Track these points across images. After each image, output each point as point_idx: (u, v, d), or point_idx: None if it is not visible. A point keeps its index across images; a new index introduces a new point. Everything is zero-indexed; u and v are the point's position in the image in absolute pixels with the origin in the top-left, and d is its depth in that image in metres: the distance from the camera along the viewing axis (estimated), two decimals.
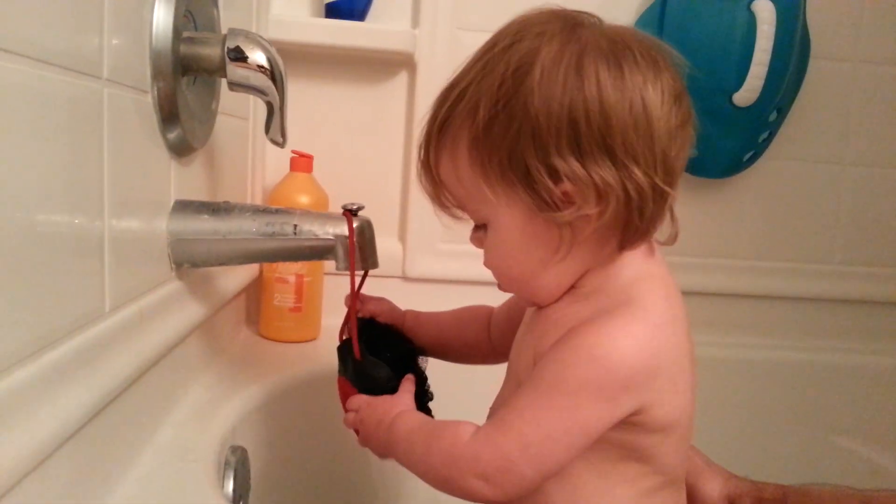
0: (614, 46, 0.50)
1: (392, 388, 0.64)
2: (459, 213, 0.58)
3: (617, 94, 0.49)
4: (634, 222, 0.51)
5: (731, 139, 1.12)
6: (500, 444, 0.50)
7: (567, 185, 0.50)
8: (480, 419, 0.56)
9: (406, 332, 0.73)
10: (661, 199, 0.51)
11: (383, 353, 0.66)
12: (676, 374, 0.53)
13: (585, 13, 0.54)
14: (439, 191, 0.57)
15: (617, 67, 0.50)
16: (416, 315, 0.75)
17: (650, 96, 0.50)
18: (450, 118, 0.53)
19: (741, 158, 1.15)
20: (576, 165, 0.49)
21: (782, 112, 1.15)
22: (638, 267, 0.55)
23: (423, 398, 0.66)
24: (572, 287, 0.56)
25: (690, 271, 1.20)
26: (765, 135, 1.14)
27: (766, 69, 1.02)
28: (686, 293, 1.23)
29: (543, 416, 0.50)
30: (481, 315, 0.74)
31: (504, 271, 0.57)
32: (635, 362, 0.49)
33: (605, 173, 0.49)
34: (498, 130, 0.50)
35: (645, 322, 0.51)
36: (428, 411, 0.66)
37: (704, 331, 1.20)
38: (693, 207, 1.19)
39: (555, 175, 0.50)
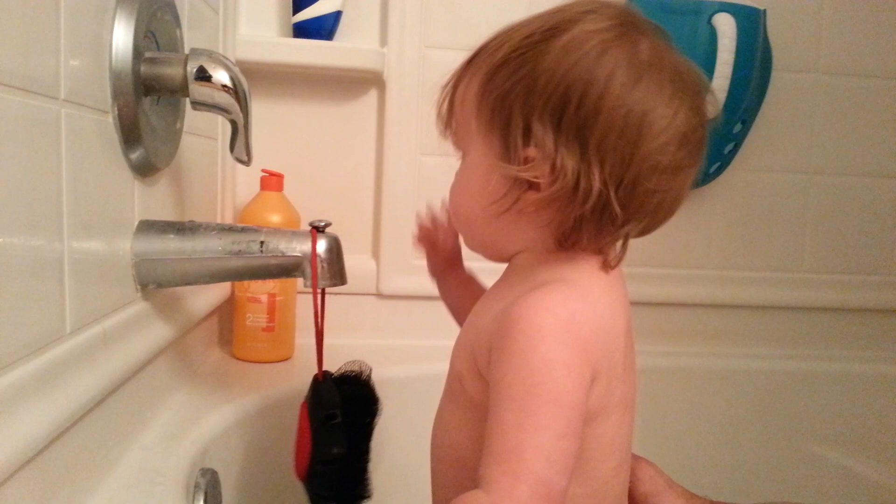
0: (651, 59, 0.50)
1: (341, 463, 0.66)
2: (453, 139, 0.59)
3: (621, 96, 0.48)
4: (568, 221, 0.51)
5: None
6: (526, 477, 0.46)
7: (532, 151, 0.50)
8: None
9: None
10: (606, 216, 0.50)
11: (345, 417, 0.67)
12: (616, 359, 0.53)
13: (654, 23, 0.53)
14: (451, 114, 0.58)
15: (637, 76, 0.49)
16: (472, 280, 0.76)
17: (652, 119, 0.49)
18: (482, 50, 0.55)
19: (707, 170, 1.16)
20: (549, 137, 0.49)
21: (746, 124, 1.16)
22: (581, 266, 0.55)
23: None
24: (513, 263, 0.58)
25: (659, 282, 1.21)
26: (730, 146, 1.16)
27: (728, 82, 1.04)
28: (655, 304, 1.25)
29: (539, 435, 0.46)
30: None
31: (455, 205, 0.59)
32: (574, 322, 0.49)
33: (568, 159, 0.49)
34: (505, 73, 0.51)
35: (583, 297, 0.52)
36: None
37: (675, 342, 1.22)
38: None
39: (528, 136, 0.50)
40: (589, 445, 0.53)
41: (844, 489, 1.12)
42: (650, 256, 1.20)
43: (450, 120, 0.58)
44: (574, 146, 0.49)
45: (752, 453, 1.17)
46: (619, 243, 0.55)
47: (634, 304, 1.23)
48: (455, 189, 0.59)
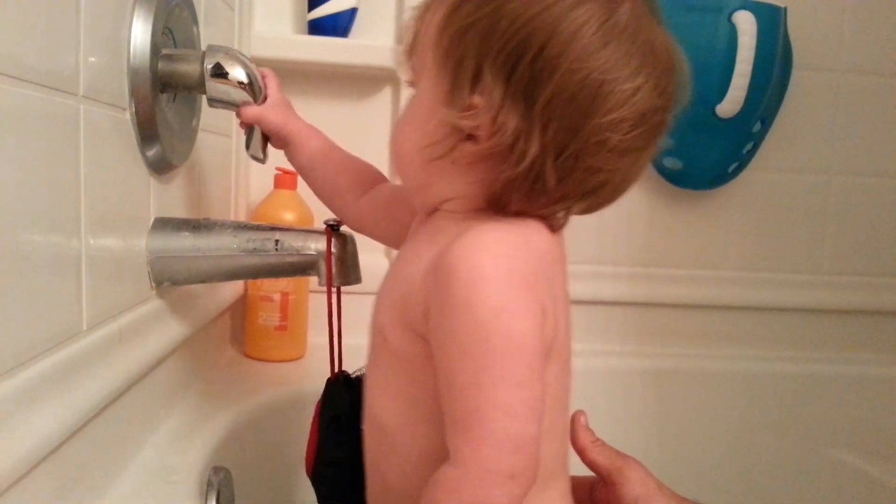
0: (627, 24, 0.46)
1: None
2: (410, 73, 0.54)
3: (581, 58, 0.44)
4: (498, 181, 0.47)
5: (715, 150, 1.12)
6: (489, 438, 0.44)
7: (477, 99, 0.46)
8: None
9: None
10: (538, 185, 0.46)
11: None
12: (558, 302, 0.50)
13: None
14: (415, 42, 0.53)
15: (605, 39, 0.45)
16: (309, 133, 0.70)
17: (610, 90, 0.45)
18: None
19: (726, 170, 1.15)
20: (497, 87, 0.45)
21: (766, 123, 1.15)
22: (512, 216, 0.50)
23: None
24: (441, 211, 0.53)
25: (676, 283, 1.20)
26: (749, 146, 1.15)
27: (748, 80, 1.03)
28: (671, 305, 1.24)
29: (498, 390, 0.44)
30: (372, 174, 0.70)
31: (394, 136, 0.54)
32: (514, 259, 0.46)
33: (511, 115, 0.45)
34: (469, 7, 0.47)
35: (518, 231, 0.48)
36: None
37: (692, 344, 1.21)
38: (679, 219, 1.20)
39: (476, 81, 0.46)
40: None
41: (862, 494, 1.10)
42: (666, 257, 1.20)
43: (412, 52, 0.53)
44: (520, 103, 0.45)
45: (770, 457, 1.15)
46: (560, 214, 0.51)
47: (649, 304, 1.22)
48: (400, 122, 0.54)
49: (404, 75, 0.56)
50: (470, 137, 0.47)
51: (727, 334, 1.22)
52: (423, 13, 0.52)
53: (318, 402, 0.68)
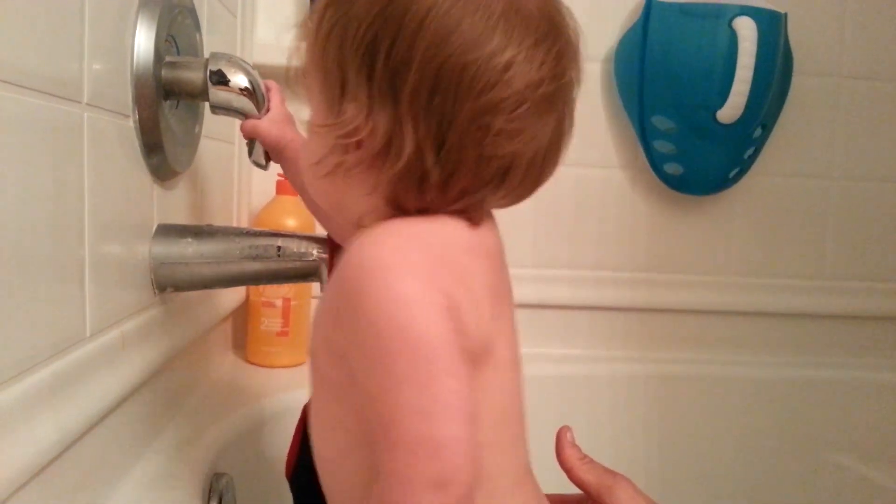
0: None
1: None
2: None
3: (434, 45, 0.40)
4: (387, 184, 0.44)
5: (716, 156, 1.12)
6: (402, 444, 0.39)
7: (348, 106, 0.43)
8: None
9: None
10: (427, 182, 0.43)
11: None
12: (479, 295, 0.44)
13: None
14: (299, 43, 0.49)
15: (458, 17, 0.41)
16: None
17: (475, 73, 0.40)
18: None
19: (727, 175, 1.15)
20: (362, 90, 0.42)
21: (767, 128, 1.15)
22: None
23: None
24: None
25: (677, 288, 1.20)
26: (750, 151, 1.15)
27: (748, 86, 1.03)
28: (673, 311, 1.24)
29: (403, 392, 0.39)
30: None
31: (301, 160, 0.51)
32: (403, 247, 0.42)
33: (380, 116, 0.42)
34: (328, 17, 0.44)
35: (414, 223, 0.44)
36: None
37: (694, 349, 1.21)
38: (680, 224, 1.20)
39: (344, 89, 0.43)
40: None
41: (865, 499, 1.10)
42: (668, 262, 1.20)
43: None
44: (387, 102, 0.42)
45: (772, 462, 1.15)
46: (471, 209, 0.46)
47: (651, 310, 1.21)
48: (302, 144, 0.51)
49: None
50: (355, 145, 0.44)
51: (729, 339, 1.22)
52: (311, 14, 0.48)
53: (306, 405, 0.68)
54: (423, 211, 0.45)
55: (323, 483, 0.52)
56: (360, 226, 0.47)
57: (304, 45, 0.47)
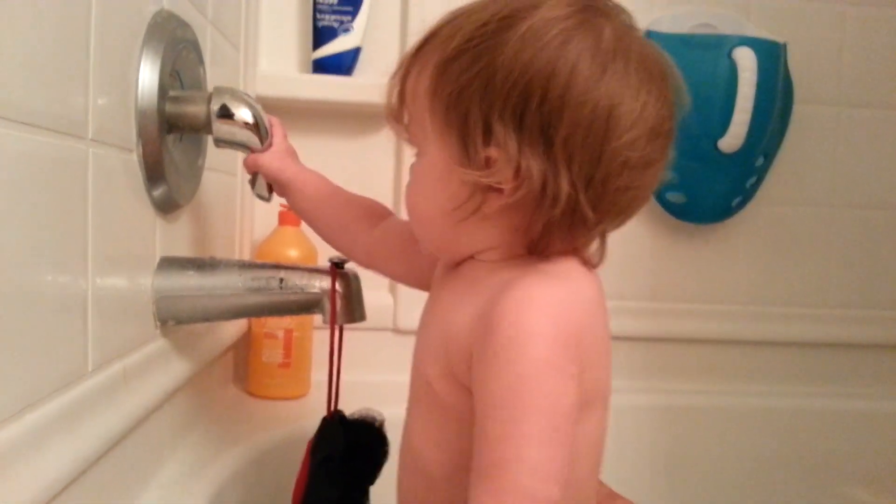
0: (615, 46, 0.47)
1: None
2: (406, 135, 0.55)
3: (586, 91, 0.45)
4: (536, 226, 0.48)
5: (718, 184, 1.12)
6: (510, 492, 0.44)
7: (493, 152, 0.47)
8: None
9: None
10: (577, 218, 0.47)
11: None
12: (601, 348, 0.51)
13: (617, 4, 0.50)
14: (402, 107, 0.54)
15: (601, 67, 0.46)
16: (306, 177, 0.70)
17: (620, 113, 0.46)
18: (433, 36, 0.51)
19: (730, 204, 1.15)
20: (511, 137, 0.46)
21: (769, 157, 1.16)
22: (555, 259, 0.51)
23: None
24: (476, 259, 0.54)
25: (683, 318, 1.19)
26: (752, 180, 1.15)
27: (749, 116, 1.04)
28: (677, 340, 1.23)
29: (524, 446, 0.44)
30: (378, 208, 0.70)
31: (412, 205, 0.55)
32: (561, 317, 0.46)
33: (534, 161, 0.46)
34: (459, 66, 0.47)
35: (565, 286, 0.49)
36: None
37: (698, 379, 1.20)
38: (683, 253, 1.20)
39: (488, 136, 0.47)
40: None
41: None
42: (671, 291, 1.19)
43: (401, 114, 0.54)
44: (539, 146, 0.46)
45: (780, 494, 1.14)
46: (595, 242, 0.52)
47: (655, 339, 1.21)
48: (411, 189, 0.55)
49: (398, 136, 0.57)
50: (494, 189, 0.48)
51: (734, 369, 1.21)
52: (405, 77, 0.53)
53: (311, 439, 0.67)
54: (552, 250, 0.50)
55: (409, 496, 0.58)
56: (467, 257, 0.54)
57: (416, 90, 0.51)
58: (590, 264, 0.53)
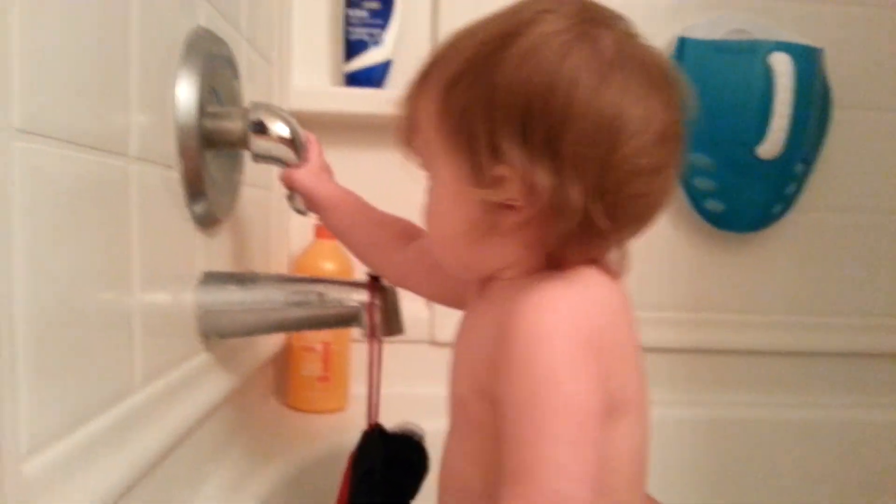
0: (615, 56, 0.46)
1: None
2: (417, 158, 0.56)
3: (588, 101, 0.45)
4: (552, 239, 0.48)
5: (757, 192, 1.10)
6: (538, 494, 0.43)
7: (503, 170, 0.47)
8: None
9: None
10: (592, 229, 0.47)
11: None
12: (627, 353, 0.51)
13: (614, 11, 0.50)
14: (411, 131, 0.55)
15: (602, 76, 0.46)
16: (340, 196, 0.70)
17: (625, 121, 0.46)
18: (437, 58, 0.52)
19: (770, 211, 1.13)
20: (517, 153, 0.46)
21: (808, 163, 1.14)
22: (576, 268, 0.51)
23: None
24: (499, 277, 0.54)
25: (723, 328, 1.17)
26: (792, 187, 1.13)
27: (787, 122, 1.02)
28: (720, 351, 1.21)
29: (550, 447, 0.43)
30: (410, 227, 0.70)
31: (430, 227, 0.56)
32: (577, 316, 0.46)
33: (542, 175, 0.45)
34: (462, 87, 0.48)
35: (582, 289, 0.49)
36: None
37: (744, 390, 1.18)
38: (723, 262, 1.17)
39: (495, 153, 0.47)
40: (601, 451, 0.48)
41: None
42: (711, 301, 1.17)
43: (411, 138, 0.55)
44: (546, 160, 0.46)
45: None
46: (614, 251, 0.52)
47: (697, 350, 1.19)
48: (427, 212, 0.55)
49: (409, 160, 0.57)
50: (507, 207, 0.48)
51: (777, 380, 1.19)
52: (413, 100, 0.54)
53: (352, 452, 0.67)
54: (570, 262, 0.50)
55: (441, 495, 0.58)
56: (490, 279, 0.55)
57: (423, 114, 0.52)
58: (611, 273, 0.52)
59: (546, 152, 0.46)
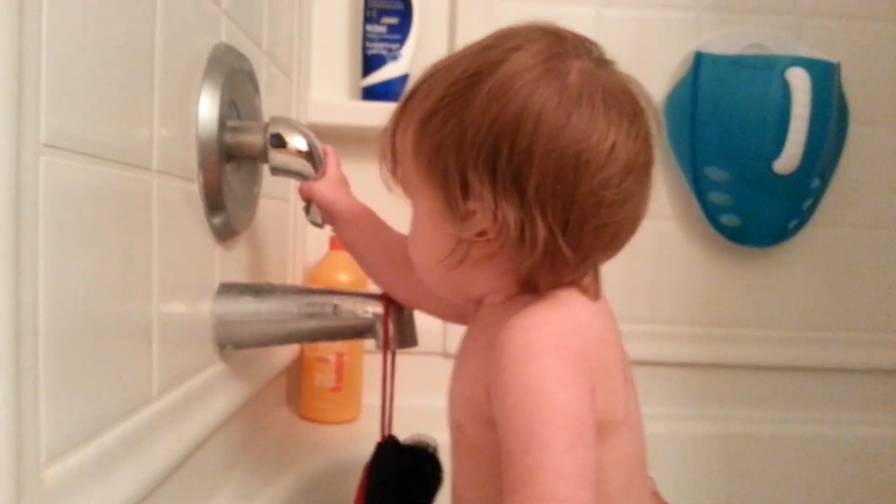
0: (580, 89, 0.48)
1: None
2: (400, 188, 0.57)
3: (551, 139, 0.46)
4: (522, 269, 0.50)
5: (773, 207, 1.10)
6: (538, 500, 0.43)
7: (474, 205, 0.49)
8: None
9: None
10: (558, 260, 0.49)
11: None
12: (613, 370, 0.52)
13: (585, 39, 0.51)
14: (395, 162, 0.56)
15: (566, 113, 0.47)
16: (356, 211, 0.70)
17: (589, 157, 0.47)
18: (414, 93, 0.53)
19: (786, 226, 1.13)
20: (486, 189, 0.48)
21: (825, 178, 1.13)
22: (555, 292, 0.53)
23: None
24: (483, 305, 0.57)
25: (739, 343, 1.17)
26: (809, 202, 1.13)
27: (804, 137, 1.02)
28: (735, 366, 1.20)
29: (546, 454, 0.44)
30: None
31: (412, 253, 0.58)
32: (562, 334, 0.48)
33: (509, 210, 0.48)
34: (435, 124, 0.50)
35: (565, 310, 0.51)
36: None
37: (757, 406, 1.17)
38: (739, 277, 1.17)
39: (466, 189, 0.49)
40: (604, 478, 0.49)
41: None
42: (727, 316, 1.17)
43: (395, 168, 0.57)
44: (513, 196, 0.47)
45: None
46: (588, 275, 0.54)
47: (710, 365, 1.18)
48: (410, 240, 0.58)
49: (393, 190, 0.58)
50: (479, 237, 0.50)
51: (792, 396, 1.18)
52: (394, 132, 0.55)
53: (366, 464, 0.68)
54: (551, 286, 0.52)
55: None
56: (480, 302, 0.57)
57: (403, 146, 0.54)
58: (590, 294, 0.53)
59: (513, 189, 0.47)
